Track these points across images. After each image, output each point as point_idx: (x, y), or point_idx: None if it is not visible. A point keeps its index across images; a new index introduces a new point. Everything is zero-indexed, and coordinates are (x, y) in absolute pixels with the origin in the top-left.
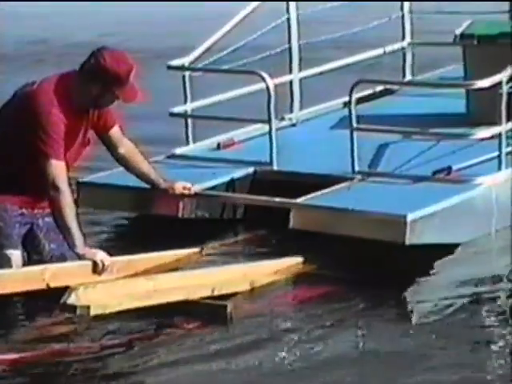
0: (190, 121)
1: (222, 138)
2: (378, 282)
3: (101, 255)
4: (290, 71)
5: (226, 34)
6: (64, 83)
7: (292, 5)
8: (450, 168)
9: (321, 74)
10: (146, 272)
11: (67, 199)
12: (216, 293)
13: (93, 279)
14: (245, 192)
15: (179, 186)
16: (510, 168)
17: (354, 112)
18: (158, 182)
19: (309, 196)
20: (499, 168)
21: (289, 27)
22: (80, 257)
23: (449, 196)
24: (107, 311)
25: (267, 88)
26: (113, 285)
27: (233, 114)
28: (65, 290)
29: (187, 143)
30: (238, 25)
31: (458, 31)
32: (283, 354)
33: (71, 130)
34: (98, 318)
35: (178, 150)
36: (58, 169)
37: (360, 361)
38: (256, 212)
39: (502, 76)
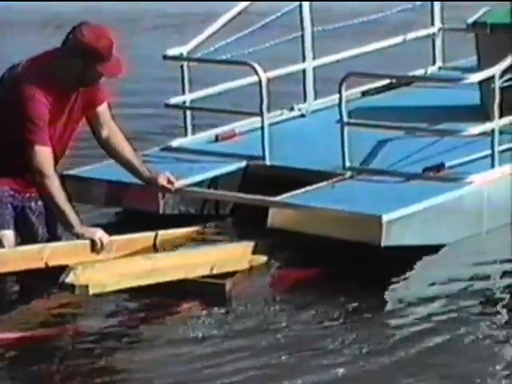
0: (188, 112)
1: (222, 129)
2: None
3: (99, 233)
4: (304, 59)
5: (228, 22)
6: (47, 62)
7: None
8: (442, 165)
9: (337, 62)
10: (145, 251)
11: (55, 184)
12: (215, 271)
13: (91, 258)
14: (235, 187)
15: (162, 179)
16: (506, 165)
17: (344, 106)
18: (141, 171)
19: (289, 194)
20: (492, 166)
21: (301, 13)
22: (79, 236)
23: (435, 195)
24: (106, 290)
25: (259, 81)
26: (111, 264)
27: (238, 104)
28: (63, 269)
29: (185, 135)
30: (242, 12)
31: (471, 20)
32: (278, 336)
33: (62, 112)
34: (96, 297)
35: (174, 142)
36: (42, 155)
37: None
38: (244, 209)
39: (494, 70)
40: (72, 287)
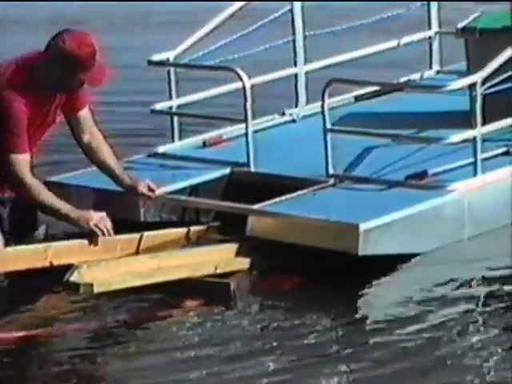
0: (175, 118)
1: (210, 135)
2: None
3: (96, 219)
4: (295, 64)
5: (218, 27)
6: (27, 66)
7: None
8: (425, 173)
9: (330, 66)
10: (150, 250)
11: (37, 188)
12: (219, 271)
13: (96, 257)
14: (219, 194)
15: (143, 186)
16: (489, 173)
17: (327, 113)
18: (121, 178)
19: (268, 202)
20: (474, 174)
21: (292, 17)
22: (79, 223)
23: (415, 203)
24: (110, 289)
25: (243, 87)
26: (116, 263)
27: (229, 109)
28: (68, 267)
29: (172, 141)
30: (232, 17)
31: (461, 24)
32: (282, 338)
33: (36, 115)
34: (101, 295)
35: (161, 148)
36: (21, 164)
37: None
38: (227, 216)
39: (476, 77)
40: (77, 286)
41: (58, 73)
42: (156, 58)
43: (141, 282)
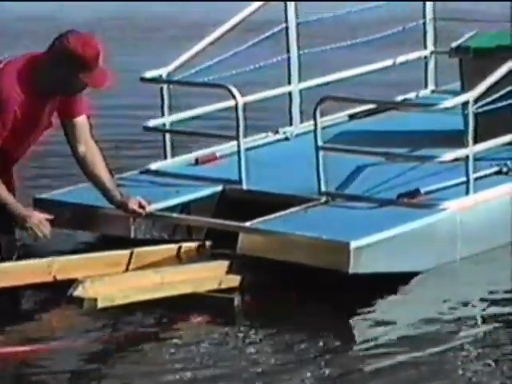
0: (167, 135)
1: (203, 152)
2: None
3: (36, 217)
4: (289, 82)
5: (211, 44)
6: (30, 65)
7: (291, 12)
8: (417, 191)
9: (326, 84)
10: (154, 264)
11: None
12: (223, 286)
13: (100, 272)
14: (211, 211)
15: (133, 204)
16: (481, 192)
17: (319, 131)
18: (113, 194)
19: (259, 219)
20: (467, 192)
21: (287, 35)
22: (18, 220)
23: (407, 221)
24: (114, 304)
25: (236, 105)
26: (120, 277)
27: (223, 126)
28: (72, 282)
29: (165, 158)
30: (227, 34)
31: (455, 44)
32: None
33: (33, 114)
34: (105, 310)
35: (154, 165)
36: None
37: None
38: (219, 234)
39: (468, 96)
40: (80, 301)
41: (60, 72)
42: (149, 74)
43: (145, 296)
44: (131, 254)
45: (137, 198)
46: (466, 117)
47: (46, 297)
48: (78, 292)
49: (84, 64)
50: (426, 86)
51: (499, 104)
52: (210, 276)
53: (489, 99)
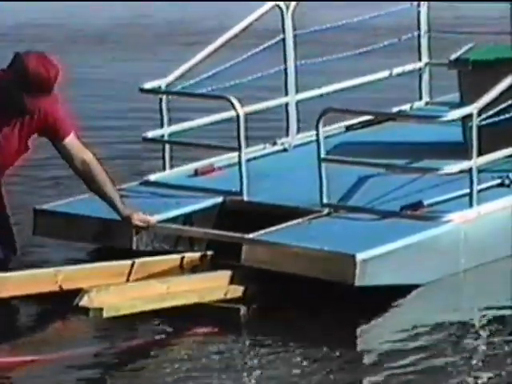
0: (166, 146)
1: (202, 163)
2: None
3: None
4: (286, 93)
5: (210, 55)
6: None
7: (288, 23)
8: (420, 203)
9: (321, 96)
10: (159, 274)
11: None
12: (229, 296)
13: (106, 281)
14: (211, 223)
15: (137, 218)
16: (485, 204)
17: (322, 142)
18: (117, 206)
19: (263, 231)
20: (470, 205)
21: (284, 46)
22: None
23: (411, 233)
24: (120, 314)
25: (237, 116)
26: (126, 287)
27: (220, 137)
28: (78, 292)
29: (164, 169)
30: (224, 45)
31: (454, 56)
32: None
33: (4, 136)
34: (110, 320)
35: (153, 177)
36: None
37: None
38: (219, 245)
39: (472, 108)
40: (86, 310)
41: (11, 86)
42: (148, 85)
43: (150, 306)
44: (136, 264)
45: (140, 213)
46: (469, 129)
47: (52, 307)
48: (84, 302)
49: (32, 85)
50: (420, 98)
51: (502, 117)
52: (216, 286)
53: (491, 112)
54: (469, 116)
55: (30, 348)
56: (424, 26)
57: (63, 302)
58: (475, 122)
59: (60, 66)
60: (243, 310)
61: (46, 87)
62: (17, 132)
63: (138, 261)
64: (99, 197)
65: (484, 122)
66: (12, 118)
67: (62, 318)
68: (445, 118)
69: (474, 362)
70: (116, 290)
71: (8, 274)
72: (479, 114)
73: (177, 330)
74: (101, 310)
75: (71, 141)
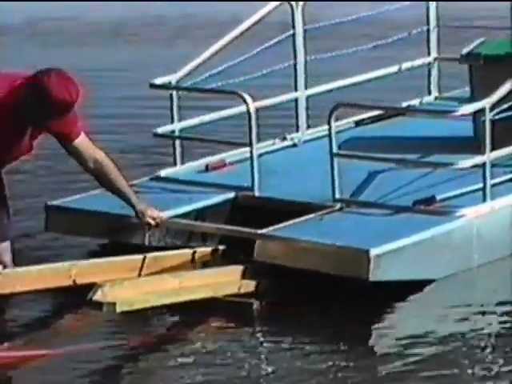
0: (177, 141)
1: (212, 159)
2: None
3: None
4: (296, 89)
5: (220, 50)
6: (10, 85)
7: (298, 18)
8: (433, 198)
9: (331, 91)
10: (172, 269)
11: None
12: (242, 290)
13: (119, 276)
14: (223, 218)
15: (149, 215)
16: (498, 199)
17: (334, 137)
18: (131, 201)
19: (275, 226)
20: (484, 199)
21: (294, 41)
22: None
23: (424, 228)
24: (133, 308)
25: (248, 111)
26: (139, 282)
27: (229, 132)
28: (91, 286)
29: (174, 164)
30: (234, 40)
31: (465, 50)
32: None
33: (9, 132)
34: (124, 314)
35: (163, 172)
36: None
37: None
38: (232, 241)
39: (485, 103)
40: (100, 305)
41: (31, 106)
42: (158, 81)
43: (164, 301)
44: (148, 258)
45: (153, 209)
46: (482, 123)
47: (66, 301)
48: (98, 296)
49: (55, 109)
50: (429, 93)
51: None
52: (229, 280)
53: (504, 106)
54: (481, 110)
55: (44, 342)
56: (433, 21)
57: (77, 297)
58: (488, 116)
59: (79, 83)
60: (256, 304)
61: (70, 109)
62: (27, 133)
63: (150, 255)
64: (113, 194)
65: (497, 117)
66: (27, 128)
67: (75, 313)
68: (458, 113)
69: (487, 356)
70: (129, 284)
71: (22, 269)
72: (492, 108)
73: (190, 325)
74: (114, 304)
75: (81, 141)
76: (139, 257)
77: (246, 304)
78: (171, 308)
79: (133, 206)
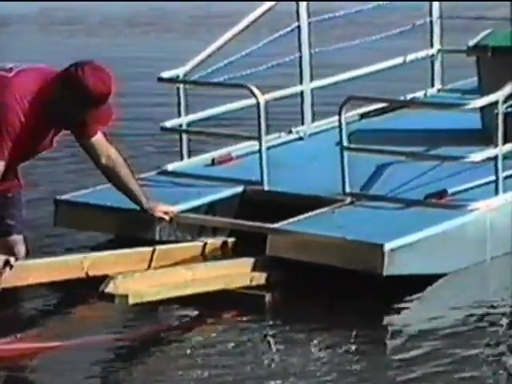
0: (184, 135)
1: (219, 153)
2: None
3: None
4: (301, 82)
5: (226, 43)
6: (41, 81)
7: (303, 11)
8: (445, 191)
9: (335, 84)
10: (185, 261)
11: None
12: (254, 283)
13: (131, 268)
14: (232, 212)
15: (160, 210)
16: (510, 192)
17: (344, 130)
18: (139, 200)
19: (288, 221)
20: (496, 192)
21: (299, 34)
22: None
23: (437, 222)
24: (145, 300)
25: (257, 104)
26: (151, 274)
27: (232, 126)
28: (103, 278)
29: (181, 158)
30: (240, 33)
31: (472, 42)
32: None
33: (38, 131)
34: (136, 307)
35: (170, 166)
36: None
37: None
38: (243, 235)
39: (498, 95)
40: (112, 297)
41: (67, 101)
42: (165, 74)
43: (176, 293)
44: (159, 251)
45: (162, 205)
46: (494, 116)
47: (78, 293)
48: (110, 288)
49: (90, 100)
50: (432, 85)
51: None
52: (241, 273)
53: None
54: (491, 103)
55: (56, 334)
56: (436, 13)
57: (89, 289)
58: (501, 109)
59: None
60: (268, 296)
61: (106, 100)
62: (51, 130)
63: (160, 247)
64: (121, 191)
65: (510, 109)
66: (54, 125)
67: (87, 305)
68: (471, 106)
69: (500, 349)
70: (141, 276)
71: (35, 261)
72: (504, 101)
73: (202, 317)
74: (126, 296)
75: (98, 139)
76: (150, 249)
77: (257, 296)
78: (183, 300)
79: (141, 205)
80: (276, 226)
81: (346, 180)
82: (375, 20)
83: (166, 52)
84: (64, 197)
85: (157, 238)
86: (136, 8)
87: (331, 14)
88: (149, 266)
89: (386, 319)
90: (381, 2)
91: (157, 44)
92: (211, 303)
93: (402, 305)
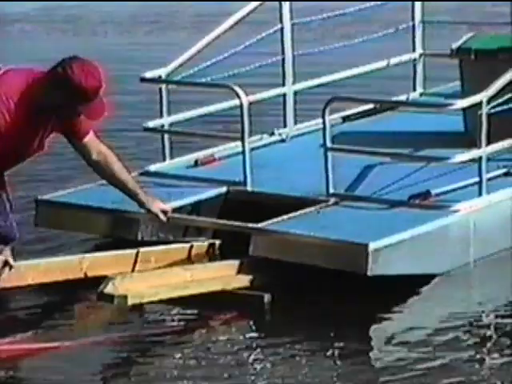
0: (166, 136)
1: (202, 154)
2: None
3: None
4: (283, 84)
5: (209, 44)
6: (28, 81)
7: (286, 12)
8: (428, 192)
9: (318, 86)
10: (183, 262)
11: None
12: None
13: (130, 269)
14: (215, 213)
15: (157, 207)
16: (493, 193)
17: (328, 131)
18: (135, 193)
19: (271, 221)
20: (479, 194)
21: (282, 36)
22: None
23: (421, 223)
24: (144, 301)
25: (241, 105)
26: (150, 275)
27: (216, 128)
28: (102, 279)
29: (164, 159)
30: (224, 34)
31: (455, 45)
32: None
33: (26, 132)
34: (134, 307)
35: (153, 167)
36: None
37: None
38: (226, 235)
39: (481, 96)
40: (111, 297)
41: (58, 98)
42: (148, 74)
43: (174, 294)
44: (159, 251)
45: (159, 202)
46: (478, 117)
47: (77, 294)
48: (109, 289)
49: (84, 96)
50: (414, 89)
51: (511, 105)
52: (240, 273)
53: (499, 100)
54: (474, 104)
55: (56, 334)
56: (418, 17)
57: (88, 290)
58: (485, 110)
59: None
60: (267, 297)
61: (98, 93)
62: (40, 131)
63: (158, 248)
64: (115, 186)
65: (492, 111)
66: (43, 126)
67: (86, 305)
68: (455, 106)
69: (486, 356)
70: (140, 277)
71: (34, 262)
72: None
73: (201, 317)
74: (125, 297)
75: (90, 139)
76: (150, 249)
77: (256, 297)
78: (182, 301)
79: (138, 200)
80: (260, 225)
81: (330, 181)
82: (366, 20)
83: (169, 52)
84: (45, 197)
85: (139, 238)
86: (139, 7)
87: (314, 17)
88: (155, 267)
89: (387, 324)
90: (367, 3)
91: (161, 42)
92: (210, 303)
93: (388, 314)
